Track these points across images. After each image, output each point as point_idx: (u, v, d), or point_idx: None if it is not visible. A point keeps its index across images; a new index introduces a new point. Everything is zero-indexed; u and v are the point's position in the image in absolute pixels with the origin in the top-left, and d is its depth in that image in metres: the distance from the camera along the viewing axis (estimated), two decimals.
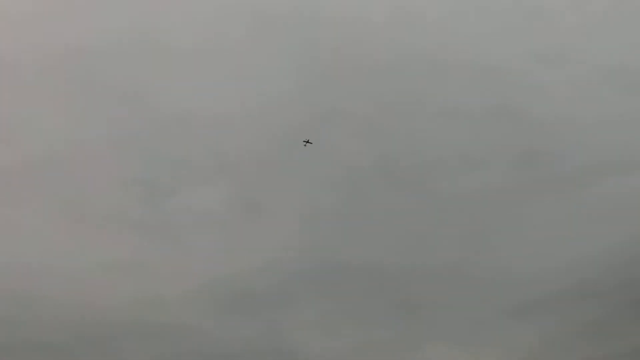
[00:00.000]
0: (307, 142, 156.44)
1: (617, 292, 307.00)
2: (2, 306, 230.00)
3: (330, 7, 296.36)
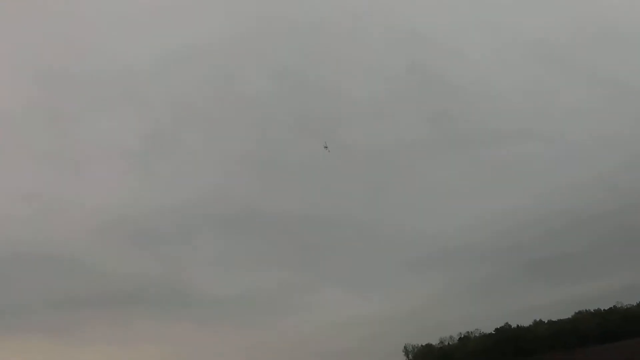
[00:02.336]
0: (326, 147, 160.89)
1: (506, 255, 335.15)
2: None
3: None
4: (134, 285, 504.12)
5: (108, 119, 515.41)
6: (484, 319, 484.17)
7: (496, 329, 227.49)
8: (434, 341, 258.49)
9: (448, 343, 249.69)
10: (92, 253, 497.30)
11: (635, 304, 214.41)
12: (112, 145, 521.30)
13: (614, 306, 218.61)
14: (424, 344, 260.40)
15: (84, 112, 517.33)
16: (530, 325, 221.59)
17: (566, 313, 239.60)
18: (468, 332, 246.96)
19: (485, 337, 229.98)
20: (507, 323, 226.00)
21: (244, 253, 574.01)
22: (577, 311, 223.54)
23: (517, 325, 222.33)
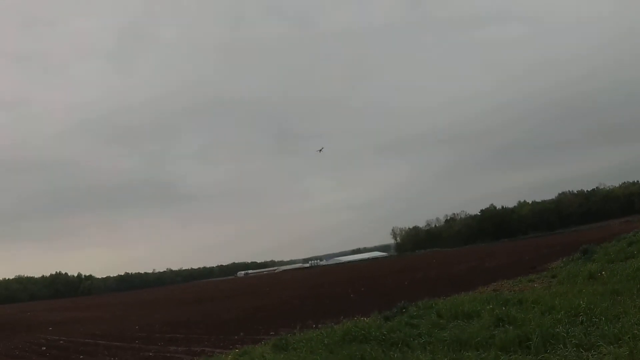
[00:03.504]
0: (320, 150, 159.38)
1: (485, 137, 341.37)
2: None
3: None
4: (118, 185, 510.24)
5: (82, 19, 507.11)
6: (469, 202, 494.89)
7: (481, 210, 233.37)
8: (421, 224, 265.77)
9: (435, 225, 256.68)
10: (74, 154, 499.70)
11: (617, 185, 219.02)
12: (88, 45, 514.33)
13: (597, 187, 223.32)
14: (410, 227, 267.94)
15: (58, 15, 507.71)
16: (514, 206, 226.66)
17: (550, 194, 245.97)
18: (454, 214, 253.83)
19: (471, 218, 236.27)
20: (491, 204, 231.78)
21: (225, 144, 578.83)
22: (560, 192, 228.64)
23: (502, 207, 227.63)
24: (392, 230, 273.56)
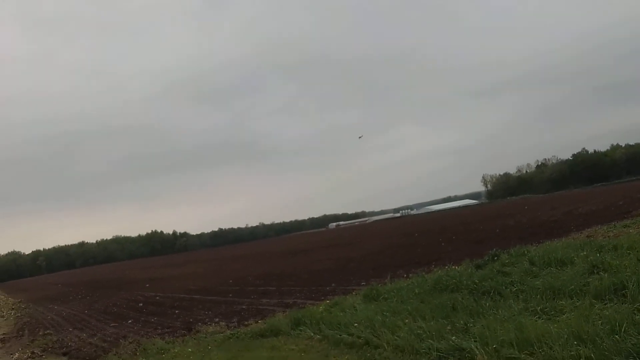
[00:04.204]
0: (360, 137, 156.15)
1: (579, 79, 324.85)
2: None
3: None
4: (207, 144, 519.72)
5: None
6: (561, 146, 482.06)
7: (573, 155, 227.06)
8: (512, 170, 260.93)
9: (525, 171, 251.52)
10: (162, 117, 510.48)
11: None
12: (170, 7, 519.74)
13: None
14: (501, 173, 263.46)
15: None
16: (607, 150, 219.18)
17: None
18: (545, 159, 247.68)
19: (562, 163, 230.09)
20: (584, 149, 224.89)
21: (312, 99, 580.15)
22: None
23: (594, 151, 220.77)
24: (483, 177, 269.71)
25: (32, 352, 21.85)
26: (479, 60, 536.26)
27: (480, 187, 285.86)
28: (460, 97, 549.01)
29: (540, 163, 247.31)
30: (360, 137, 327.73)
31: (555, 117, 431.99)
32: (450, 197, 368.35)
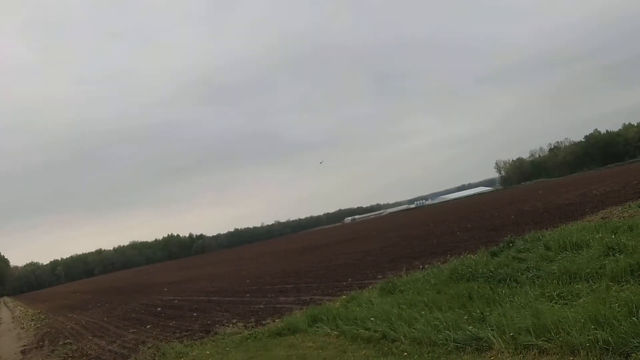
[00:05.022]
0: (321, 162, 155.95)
1: (588, 58, 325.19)
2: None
3: None
4: (221, 143, 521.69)
5: None
6: (573, 128, 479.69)
7: (585, 136, 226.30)
8: (525, 155, 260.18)
9: (539, 155, 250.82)
10: (177, 118, 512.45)
11: None
12: (179, 11, 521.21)
13: None
14: (514, 159, 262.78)
15: None
16: (619, 129, 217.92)
17: None
18: (558, 142, 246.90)
19: (575, 145, 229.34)
20: (596, 129, 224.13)
21: (325, 93, 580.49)
22: None
23: (607, 131, 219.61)
24: (496, 163, 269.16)
25: None
26: (489, 46, 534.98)
27: (494, 174, 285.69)
28: (470, 84, 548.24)
29: (553, 146, 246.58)
30: (321, 162, 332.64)
31: (566, 99, 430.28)
32: (464, 185, 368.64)
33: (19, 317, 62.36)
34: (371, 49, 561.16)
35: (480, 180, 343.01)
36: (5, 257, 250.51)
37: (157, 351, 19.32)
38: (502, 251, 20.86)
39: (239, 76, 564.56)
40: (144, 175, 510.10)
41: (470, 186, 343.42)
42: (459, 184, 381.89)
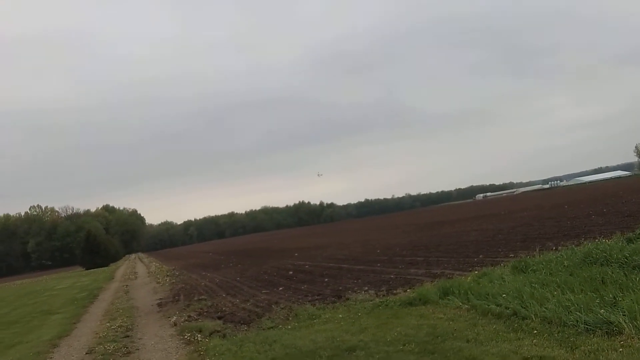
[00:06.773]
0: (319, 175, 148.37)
1: None
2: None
3: None
4: (353, 116, 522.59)
5: None
6: None
7: None
8: None
9: None
10: (310, 90, 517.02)
11: None
12: None
13: None
14: None
15: None
16: None
17: None
18: None
19: None
20: None
21: (457, 67, 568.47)
22: None
23: None
24: (636, 147, 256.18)
25: (189, 316, 23.30)
26: (628, 23, 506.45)
27: (633, 158, 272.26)
28: (610, 63, 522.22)
29: None
30: (319, 174, 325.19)
31: None
32: (601, 167, 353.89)
33: (154, 272, 65.91)
34: (508, 23, 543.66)
35: (618, 163, 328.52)
36: (142, 216, 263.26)
37: (290, 312, 20.27)
38: (638, 238, 20.57)
39: (369, 48, 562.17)
40: (279, 143, 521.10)
41: (607, 169, 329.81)
42: (595, 167, 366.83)
